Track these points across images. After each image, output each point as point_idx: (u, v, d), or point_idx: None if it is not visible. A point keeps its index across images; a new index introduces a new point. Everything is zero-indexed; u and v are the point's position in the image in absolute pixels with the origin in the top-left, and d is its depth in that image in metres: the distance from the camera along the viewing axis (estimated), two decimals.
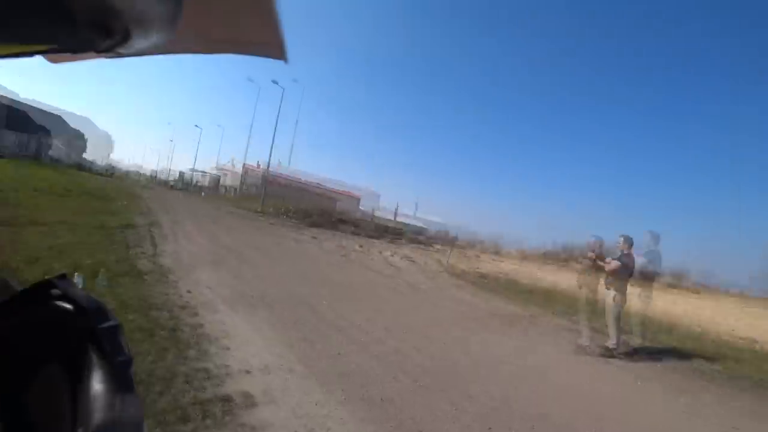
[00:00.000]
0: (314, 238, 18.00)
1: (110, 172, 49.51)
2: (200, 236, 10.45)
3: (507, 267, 26.32)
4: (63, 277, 0.57)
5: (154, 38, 0.44)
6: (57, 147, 37.22)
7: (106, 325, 0.50)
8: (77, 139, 47.14)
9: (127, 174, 65.86)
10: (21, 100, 45.42)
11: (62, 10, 0.34)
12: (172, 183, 61.65)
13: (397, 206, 54.55)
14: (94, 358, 0.48)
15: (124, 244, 7.56)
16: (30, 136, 33.54)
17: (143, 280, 5.49)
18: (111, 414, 0.43)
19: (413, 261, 16.31)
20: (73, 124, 45.79)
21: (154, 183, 55.40)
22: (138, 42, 0.43)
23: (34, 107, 46.97)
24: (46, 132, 38.33)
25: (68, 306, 0.53)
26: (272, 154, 39.15)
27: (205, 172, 63.39)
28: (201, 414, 2.67)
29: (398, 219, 49.40)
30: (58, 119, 49.27)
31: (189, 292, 5.36)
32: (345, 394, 3.43)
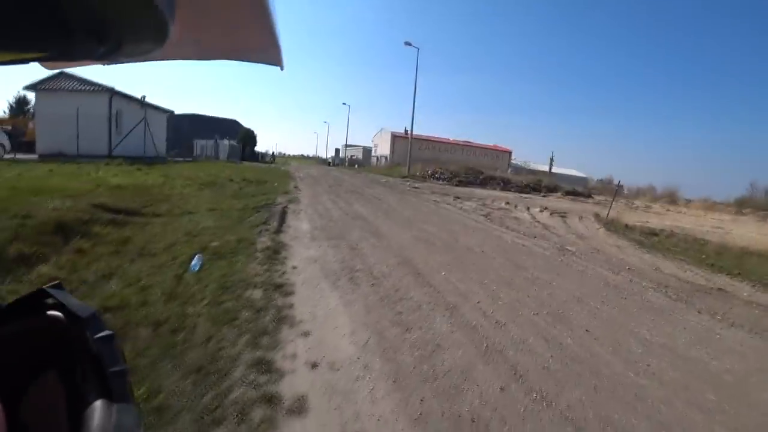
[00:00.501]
0: (457, 198, 17.17)
1: (270, 160, 55.60)
2: (335, 208, 10.51)
3: (686, 220, 21.63)
4: (58, 285, 0.56)
5: (147, 46, 0.45)
6: (236, 146, 43.19)
7: (101, 334, 0.49)
8: (251, 136, 54.04)
9: (285, 158, 73.02)
10: (199, 113, 53.39)
11: (56, 19, 0.35)
12: (329, 161, 66.65)
13: (552, 156, 50.19)
14: (90, 368, 0.47)
15: (255, 223, 7.82)
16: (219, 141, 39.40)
17: (255, 257, 5.44)
18: (107, 424, 0.42)
19: (565, 216, 14.28)
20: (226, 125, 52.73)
21: (313, 163, 60.30)
22: (131, 50, 0.44)
23: (211, 116, 54.96)
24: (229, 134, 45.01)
25: (62, 315, 0.52)
26: (403, 118, 38.97)
27: (358, 146, 66.83)
28: None
29: (553, 171, 45.49)
30: (234, 122, 56.90)
31: (294, 268, 5.14)
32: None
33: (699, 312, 5.16)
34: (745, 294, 6.38)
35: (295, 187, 15.37)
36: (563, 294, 5.15)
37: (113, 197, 9.27)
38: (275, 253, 5.76)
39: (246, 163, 35.02)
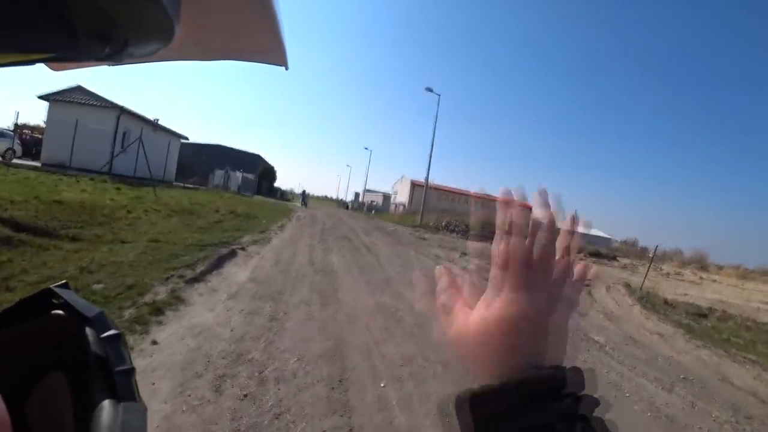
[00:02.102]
0: (464, 254, 15.11)
1: (287, 197, 54.87)
2: (303, 256, 8.72)
3: (729, 293, 18.95)
4: (64, 285, 0.53)
5: (152, 46, 0.44)
6: (250, 179, 42.60)
7: (107, 333, 0.47)
8: (270, 172, 53.53)
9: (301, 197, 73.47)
10: (223, 144, 53.53)
11: (61, 20, 0.34)
12: (348, 204, 65.89)
13: (576, 213, 48.10)
14: (96, 367, 0.45)
15: (180, 264, 6.09)
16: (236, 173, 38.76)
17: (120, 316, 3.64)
18: (113, 424, 0.40)
19: (590, 285, 12.05)
20: (248, 159, 52.58)
21: (333, 205, 59.50)
22: (137, 50, 0.44)
23: (235, 149, 55.14)
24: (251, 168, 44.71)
25: (69, 315, 0.50)
26: (431, 168, 37.62)
27: (379, 192, 66.11)
28: None
29: (575, 231, 43.37)
30: (257, 157, 56.93)
31: (154, 344, 3.30)
32: None
33: None
34: None
35: (281, 226, 13.67)
36: None
37: (37, 212, 7.82)
38: (154, 312, 3.96)
39: (258, 198, 34.02)
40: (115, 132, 21.15)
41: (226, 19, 0.60)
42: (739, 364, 6.10)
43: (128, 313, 3.87)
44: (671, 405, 4.13)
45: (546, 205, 0.45)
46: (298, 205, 37.82)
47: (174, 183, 27.82)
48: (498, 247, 0.42)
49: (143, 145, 17.80)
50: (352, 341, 4.16)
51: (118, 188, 14.34)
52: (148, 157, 18.18)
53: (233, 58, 0.78)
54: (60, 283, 0.55)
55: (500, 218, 0.44)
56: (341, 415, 2.80)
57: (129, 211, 10.38)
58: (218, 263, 6.42)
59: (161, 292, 4.62)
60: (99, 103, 21.06)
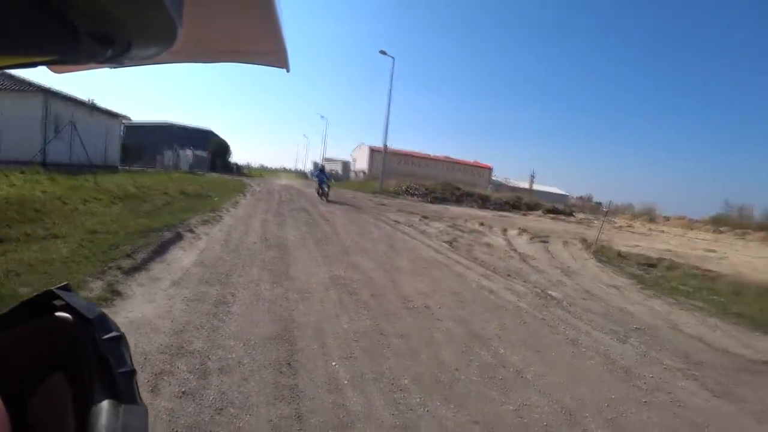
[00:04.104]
0: (424, 218, 15.14)
1: (244, 172, 53.10)
2: (256, 233, 8.44)
3: (676, 242, 20.19)
4: (65, 287, 0.56)
5: (155, 48, 0.44)
6: (203, 156, 40.81)
7: (109, 335, 0.49)
8: (224, 147, 51.24)
9: (260, 171, 71.05)
10: (171, 121, 50.81)
11: (64, 22, 0.35)
12: (307, 174, 64.88)
13: (533, 173, 49.09)
14: (97, 369, 0.47)
15: (118, 255, 5.73)
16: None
17: None
18: (114, 425, 0.41)
19: (547, 241, 12.37)
20: (201, 135, 50.15)
21: (292, 177, 58.35)
22: (139, 52, 0.43)
23: (185, 126, 52.56)
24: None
25: (71, 316, 0.52)
26: (391, 133, 37.26)
27: (338, 160, 65.29)
28: None
29: (534, 188, 44.43)
30: (209, 132, 54.51)
31: None
32: None
33: (760, 422, 3.23)
34: None
35: (235, 203, 13.17)
36: (545, 406, 3.06)
37: None
38: None
39: (212, 175, 32.75)
40: (45, 117, 19.53)
41: (228, 21, 0.61)
42: (688, 312, 6.40)
43: None
44: (625, 356, 4.26)
45: None
46: (255, 180, 36.65)
47: (119, 168, 26.37)
48: None
49: (76, 129, 16.57)
50: (303, 320, 4.02)
51: (51, 179, 13.29)
52: (84, 142, 17.02)
53: (234, 61, 0.79)
54: (61, 285, 0.55)
55: None
56: (289, 402, 2.68)
57: (64, 203, 9.67)
58: (162, 249, 6.07)
59: (96, 288, 4.28)
60: (21, 87, 19.22)
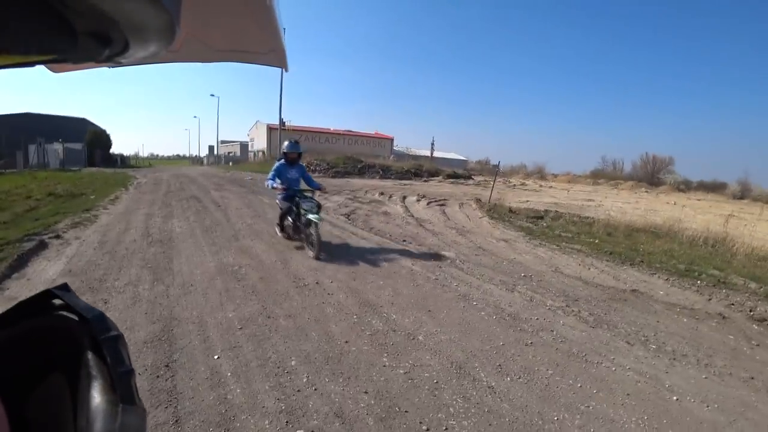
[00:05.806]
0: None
1: (129, 164, 48.08)
2: (137, 230, 7.76)
3: (561, 195, 22.71)
4: (64, 287, 0.56)
5: (153, 48, 0.44)
6: (77, 150, 36.22)
7: (107, 335, 0.49)
8: (102, 138, 45.73)
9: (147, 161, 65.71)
10: (43, 113, 44.54)
11: (62, 21, 0.35)
12: (203, 159, 61.02)
13: (433, 141, 50.77)
14: (96, 369, 0.46)
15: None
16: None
17: None
18: (112, 425, 0.41)
19: (444, 204, 12.94)
20: (73, 125, 44.51)
21: (186, 163, 54.57)
22: (137, 52, 0.43)
23: (59, 116, 46.37)
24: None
25: (69, 316, 0.52)
26: (289, 109, 36.08)
27: (235, 142, 62.19)
28: None
29: (435, 155, 45.98)
30: (83, 121, 48.55)
31: None
32: None
33: (629, 343, 3.72)
34: (661, 293, 5.30)
35: (115, 199, 11.95)
36: (436, 363, 3.21)
37: None
38: None
39: (89, 170, 29.28)
40: None
41: (227, 21, 0.61)
42: (568, 255, 7.12)
43: None
44: (513, 303, 4.60)
45: None
46: (141, 172, 33.48)
47: None
48: None
49: None
50: (184, 316, 3.77)
51: None
52: None
53: (233, 60, 0.80)
54: (59, 284, 0.56)
55: None
56: (166, 408, 2.52)
57: None
58: (21, 262, 5.32)
59: None
60: None
